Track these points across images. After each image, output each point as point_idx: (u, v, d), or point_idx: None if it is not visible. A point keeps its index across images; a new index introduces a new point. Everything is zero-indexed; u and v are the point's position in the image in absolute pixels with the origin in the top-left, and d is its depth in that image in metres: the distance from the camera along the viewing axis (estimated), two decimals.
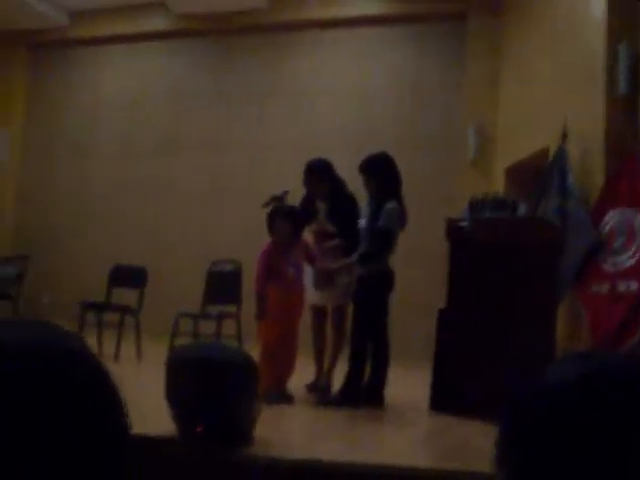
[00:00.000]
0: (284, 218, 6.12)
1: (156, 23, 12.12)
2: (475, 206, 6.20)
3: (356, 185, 6.35)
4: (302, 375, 6.37)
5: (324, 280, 6.24)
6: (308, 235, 6.55)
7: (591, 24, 7.15)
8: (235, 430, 3.97)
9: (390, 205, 6.00)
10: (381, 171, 6.15)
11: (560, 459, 0.82)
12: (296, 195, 6.62)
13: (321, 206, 6.47)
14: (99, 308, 8.50)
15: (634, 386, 0.84)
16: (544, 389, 0.88)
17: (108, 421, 0.82)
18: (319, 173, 6.47)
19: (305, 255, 6.25)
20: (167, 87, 12.18)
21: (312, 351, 6.57)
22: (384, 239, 6.03)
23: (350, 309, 6.27)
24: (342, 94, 11.17)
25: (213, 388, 3.84)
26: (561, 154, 7.19)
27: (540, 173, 7.55)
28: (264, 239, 6.25)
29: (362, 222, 6.16)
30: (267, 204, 6.53)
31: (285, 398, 5.83)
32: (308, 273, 6.34)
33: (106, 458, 0.80)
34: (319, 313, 6.56)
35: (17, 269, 9.84)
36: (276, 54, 11.64)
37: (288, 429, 5.26)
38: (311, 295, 6.36)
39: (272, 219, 6.18)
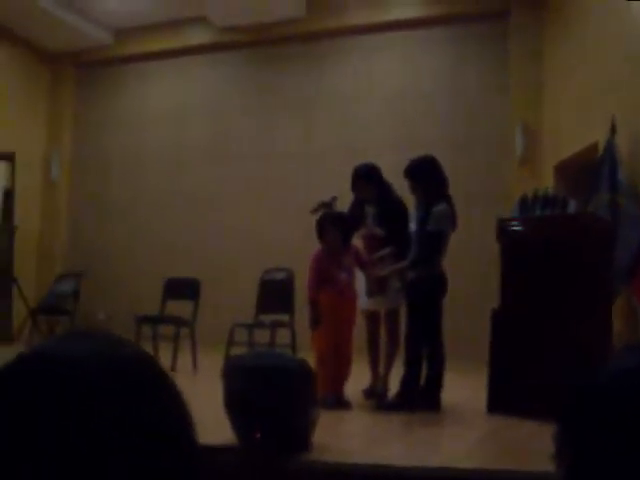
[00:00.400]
0: (333, 224, 6.13)
1: (198, 37, 12.25)
2: (525, 204, 6.16)
3: (404, 187, 6.34)
4: (359, 380, 6.38)
5: (377, 287, 6.23)
6: (357, 240, 6.55)
7: (635, 17, 7.06)
8: (293, 436, 4.00)
9: (439, 207, 5.98)
10: (426, 174, 6.13)
11: (621, 450, 0.81)
12: (345, 201, 6.63)
13: (370, 210, 6.47)
14: (154, 321, 8.58)
15: None
16: (603, 381, 0.88)
17: (175, 427, 0.82)
18: (366, 178, 6.47)
19: (356, 261, 6.26)
20: (212, 100, 12.28)
21: (367, 356, 6.57)
22: (435, 242, 6.01)
23: (403, 313, 6.27)
24: (386, 98, 11.16)
25: (271, 395, 3.87)
26: (610, 148, 7.11)
27: (590, 169, 7.48)
28: (315, 246, 6.28)
29: (412, 226, 6.15)
30: (315, 210, 6.55)
31: (342, 404, 5.85)
32: (359, 278, 6.35)
33: (176, 463, 0.80)
34: (372, 318, 6.56)
35: (73, 286, 9.99)
36: (317, 62, 11.68)
37: (346, 434, 5.27)
38: (363, 300, 6.35)
39: (321, 226, 6.20)
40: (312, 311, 6.05)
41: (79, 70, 13.32)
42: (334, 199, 6.60)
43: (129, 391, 0.79)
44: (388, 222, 6.37)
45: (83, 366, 0.78)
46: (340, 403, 5.83)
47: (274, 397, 3.87)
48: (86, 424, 0.74)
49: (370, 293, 6.26)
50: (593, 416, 0.86)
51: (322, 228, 6.18)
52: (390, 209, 6.40)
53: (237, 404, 3.98)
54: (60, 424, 0.73)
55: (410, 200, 6.35)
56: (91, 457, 0.73)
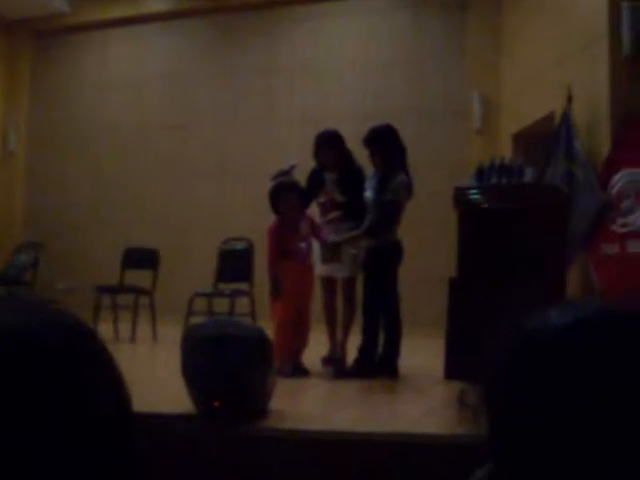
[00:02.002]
0: (287, 192, 6.16)
1: (156, 4, 12.11)
2: (481, 173, 6.21)
3: (363, 156, 6.38)
4: (316, 348, 6.42)
5: (330, 254, 6.23)
6: (314, 208, 6.57)
7: None
8: (251, 404, 4.03)
9: (399, 178, 6.04)
10: (385, 143, 6.18)
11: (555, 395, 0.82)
12: (304, 169, 6.63)
13: (330, 177, 6.46)
14: (113, 291, 8.57)
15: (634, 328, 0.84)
16: (538, 331, 0.89)
17: (107, 396, 0.80)
18: (330, 144, 6.46)
19: (312, 230, 6.28)
20: (171, 68, 12.16)
21: (324, 324, 6.59)
22: (392, 212, 6.06)
23: (360, 281, 6.31)
24: (346, 66, 11.14)
25: (228, 363, 3.89)
26: (567, 118, 7.17)
27: (547, 138, 7.54)
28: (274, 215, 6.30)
29: (368, 194, 6.18)
30: (275, 178, 6.55)
31: (300, 371, 5.89)
32: (314, 246, 6.36)
33: (109, 433, 0.78)
34: (328, 285, 6.57)
35: (32, 256, 9.91)
36: (278, 29, 11.61)
37: (303, 401, 5.30)
38: (319, 267, 6.37)
39: (276, 195, 6.21)
40: (273, 284, 6.07)
41: (36, 39, 13.09)
42: (293, 167, 6.60)
43: (70, 357, 0.77)
44: (348, 189, 6.38)
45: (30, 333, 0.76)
46: (298, 371, 5.87)
47: (231, 365, 3.89)
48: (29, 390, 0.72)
49: (324, 260, 6.25)
50: (525, 363, 0.87)
51: (277, 197, 6.19)
52: (351, 176, 6.41)
53: (195, 372, 3.99)
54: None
55: (369, 168, 6.39)
56: (25, 423, 0.71)
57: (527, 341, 0.90)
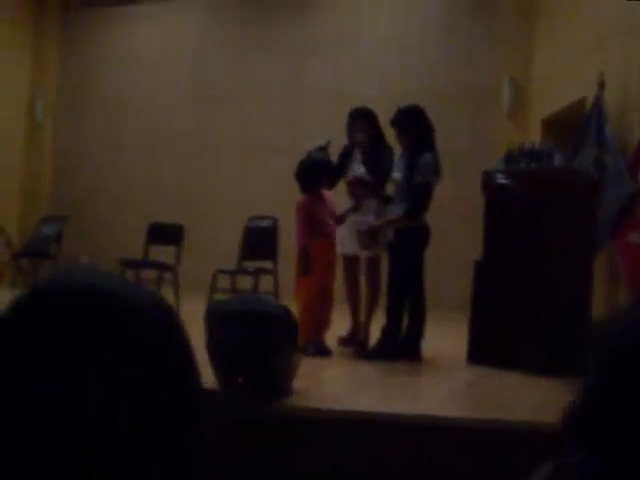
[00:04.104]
0: (322, 170, 6.17)
1: None
2: (511, 157, 6.16)
3: (392, 136, 6.37)
4: (340, 328, 6.39)
5: (369, 239, 6.18)
6: (342, 186, 6.57)
7: None
8: (274, 381, 4.02)
9: (427, 159, 5.98)
10: (413, 124, 6.13)
11: None
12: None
13: (359, 155, 6.45)
14: (137, 265, 8.58)
15: None
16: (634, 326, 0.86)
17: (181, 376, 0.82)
18: (366, 118, 6.46)
19: (331, 212, 6.28)
20: (199, 43, 12.10)
21: (346, 303, 6.56)
22: (425, 194, 6.01)
23: (385, 264, 6.28)
24: (378, 46, 11.05)
25: (254, 339, 3.89)
26: (598, 104, 7.10)
27: (577, 124, 7.47)
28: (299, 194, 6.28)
29: (396, 175, 6.14)
30: (311, 153, 6.53)
31: (323, 351, 5.88)
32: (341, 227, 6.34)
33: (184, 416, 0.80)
34: (352, 264, 6.55)
35: (57, 229, 9.94)
36: (310, 4, 11.57)
37: (326, 381, 5.31)
38: (344, 245, 6.33)
39: (310, 171, 6.19)
40: (305, 259, 6.04)
41: (65, 10, 13.09)
42: (328, 143, 6.55)
43: (167, 330, 0.83)
44: (375, 167, 6.35)
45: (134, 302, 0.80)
46: (321, 350, 5.86)
47: (256, 342, 3.89)
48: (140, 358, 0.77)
49: (363, 246, 6.19)
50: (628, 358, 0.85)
51: (311, 173, 6.17)
52: (381, 154, 6.39)
53: (219, 349, 3.99)
54: (114, 356, 0.75)
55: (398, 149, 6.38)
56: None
57: None
